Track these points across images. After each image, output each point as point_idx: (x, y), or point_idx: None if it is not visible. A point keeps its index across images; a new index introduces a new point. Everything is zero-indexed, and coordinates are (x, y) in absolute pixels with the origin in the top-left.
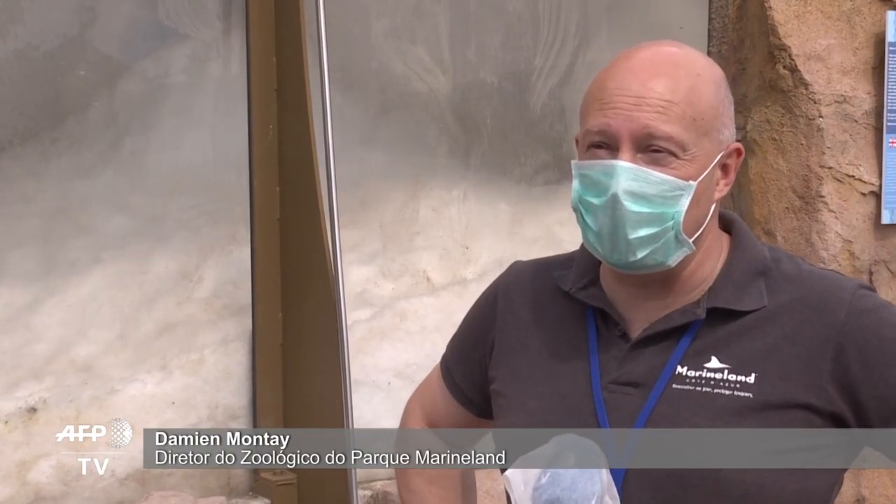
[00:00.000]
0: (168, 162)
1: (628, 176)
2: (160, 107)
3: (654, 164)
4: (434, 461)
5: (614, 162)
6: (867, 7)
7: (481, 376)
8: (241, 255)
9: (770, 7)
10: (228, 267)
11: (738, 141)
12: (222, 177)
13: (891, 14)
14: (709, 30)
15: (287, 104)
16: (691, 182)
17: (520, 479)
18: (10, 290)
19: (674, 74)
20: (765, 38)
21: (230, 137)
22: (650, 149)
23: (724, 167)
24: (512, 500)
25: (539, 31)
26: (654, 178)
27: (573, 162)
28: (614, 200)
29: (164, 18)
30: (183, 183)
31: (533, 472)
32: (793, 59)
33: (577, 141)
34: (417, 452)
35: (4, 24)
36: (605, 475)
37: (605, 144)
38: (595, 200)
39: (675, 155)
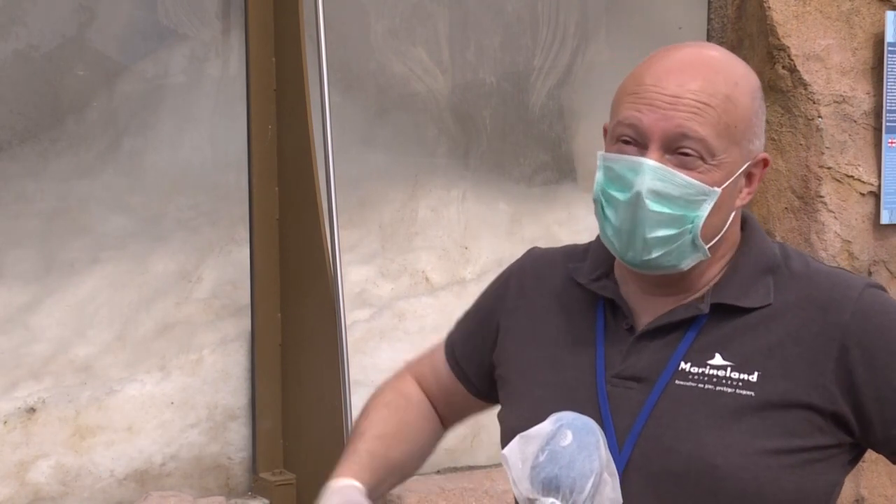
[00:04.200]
0: (167, 162)
1: (654, 175)
2: (159, 107)
3: (682, 166)
4: (395, 394)
5: (642, 160)
6: (866, 7)
7: (481, 357)
8: (240, 256)
9: (769, 7)
10: (227, 267)
11: None
12: (221, 177)
13: (890, 14)
14: (708, 30)
15: (286, 104)
16: (716, 188)
17: (517, 457)
18: (8, 290)
19: (713, 79)
20: (764, 38)
21: (229, 138)
22: (679, 151)
23: (748, 176)
24: (510, 478)
25: (538, 32)
26: (680, 180)
27: (599, 153)
28: (637, 198)
29: (162, 18)
30: (182, 183)
31: (531, 450)
32: (792, 60)
33: (604, 131)
34: (387, 385)
35: (4, 24)
36: (603, 452)
37: (634, 140)
38: (619, 195)
39: (703, 159)
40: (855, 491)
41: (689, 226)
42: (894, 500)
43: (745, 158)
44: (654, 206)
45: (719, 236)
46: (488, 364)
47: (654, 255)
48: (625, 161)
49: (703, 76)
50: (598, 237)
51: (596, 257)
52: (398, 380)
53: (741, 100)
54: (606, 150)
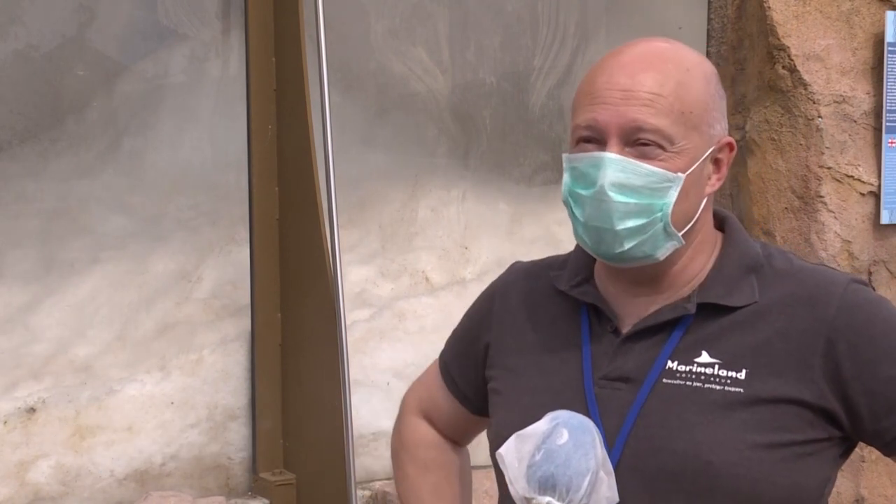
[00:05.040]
0: (167, 162)
1: (616, 167)
2: (159, 107)
3: (642, 156)
4: (427, 450)
5: (602, 154)
6: (866, 7)
7: (476, 374)
8: (240, 256)
9: (769, 7)
10: (227, 267)
11: (736, 141)
12: (221, 177)
13: (890, 14)
14: (708, 30)
15: (286, 104)
16: (679, 174)
17: (514, 456)
18: (8, 290)
19: (662, 69)
20: (764, 38)
21: (229, 137)
22: (638, 142)
23: (715, 162)
24: (506, 477)
25: (538, 32)
26: (642, 170)
27: (564, 155)
28: (601, 192)
29: (162, 18)
30: (182, 183)
31: (527, 449)
32: (792, 60)
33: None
34: (411, 441)
35: (4, 24)
36: (599, 451)
37: (594, 139)
38: (583, 192)
39: (662, 147)
40: (855, 491)
41: (659, 214)
42: (894, 500)
43: (707, 144)
44: (618, 197)
45: (691, 224)
46: (482, 381)
47: (627, 246)
48: (587, 158)
49: (654, 67)
50: (577, 245)
51: (575, 264)
52: (414, 429)
53: (694, 85)
54: (570, 152)
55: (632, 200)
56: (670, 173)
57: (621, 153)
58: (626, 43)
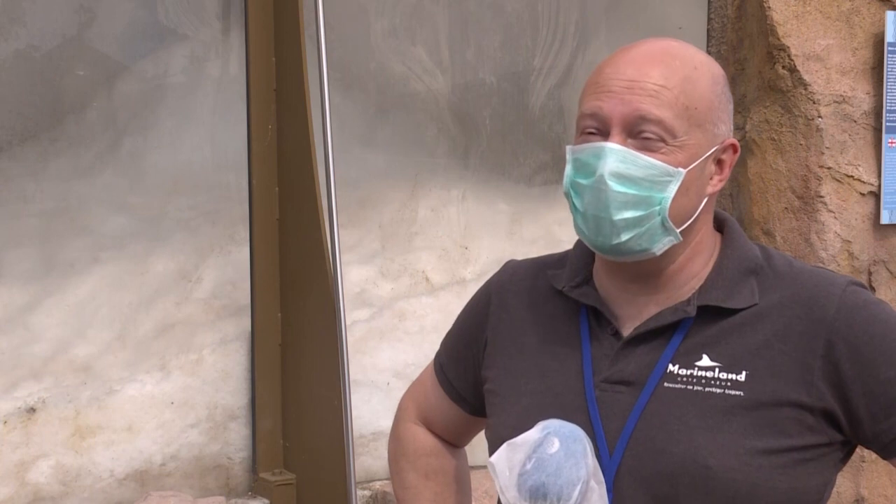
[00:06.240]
0: (167, 162)
1: (616, 158)
2: (159, 107)
3: (644, 148)
4: (428, 457)
5: (603, 144)
6: (866, 7)
7: (474, 375)
8: (240, 256)
9: (769, 7)
10: (227, 267)
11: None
12: (221, 177)
13: (890, 14)
14: (708, 30)
15: (286, 104)
16: (680, 169)
17: (505, 464)
18: (8, 290)
19: (670, 63)
20: (764, 38)
21: (229, 137)
22: (641, 134)
23: (718, 162)
24: (497, 486)
25: (538, 32)
26: (643, 161)
27: (567, 147)
28: (600, 181)
29: (162, 18)
30: (182, 183)
31: (518, 458)
32: (792, 60)
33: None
34: (412, 449)
35: (4, 24)
36: (590, 460)
37: (598, 130)
38: (584, 181)
39: (664, 141)
40: (855, 491)
41: (657, 207)
42: (894, 500)
43: (710, 142)
44: (617, 187)
45: (690, 221)
46: (480, 381)
47: (624, 237)
48: (589, 148)
49: (661, 61)
50: (575, 245)
51: (574, 264)
52: (413, 435)
53: (700, 82)
54: (574, 144)
55: (630, 191)
56: (671, 167)
57: (623, 144)
58: (637, 41)
